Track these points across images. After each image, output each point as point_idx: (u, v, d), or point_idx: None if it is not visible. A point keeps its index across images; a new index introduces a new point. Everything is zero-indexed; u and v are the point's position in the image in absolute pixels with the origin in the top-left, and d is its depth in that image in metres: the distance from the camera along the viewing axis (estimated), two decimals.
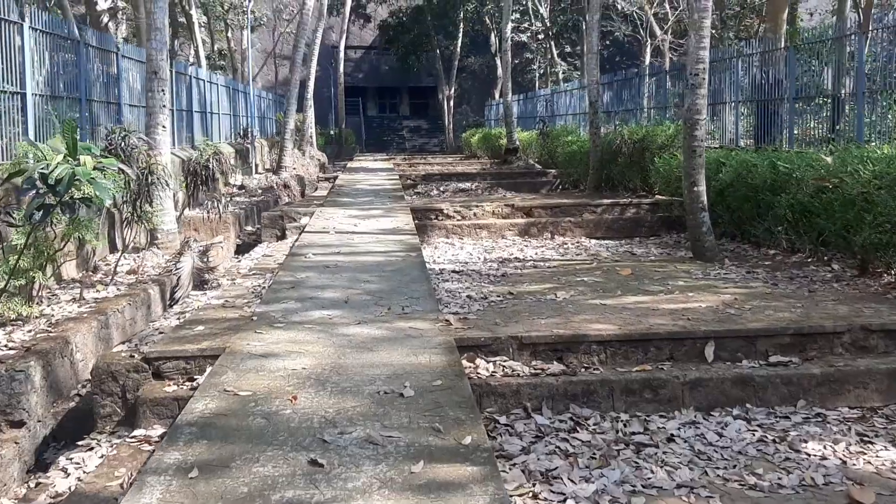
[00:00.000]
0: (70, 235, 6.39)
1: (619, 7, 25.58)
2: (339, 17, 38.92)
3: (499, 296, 6.73)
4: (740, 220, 9.69)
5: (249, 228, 13.22)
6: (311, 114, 25.11)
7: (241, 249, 12.31)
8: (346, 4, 36.16)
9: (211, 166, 10.02)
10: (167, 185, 8.38)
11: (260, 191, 16.89)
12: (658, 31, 28.77)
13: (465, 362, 4.83)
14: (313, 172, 24.31)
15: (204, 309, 6.41)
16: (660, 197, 12.71)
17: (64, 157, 5.19)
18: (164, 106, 9.40)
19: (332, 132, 40.35)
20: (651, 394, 4.85)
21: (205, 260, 9.37)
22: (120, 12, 25.16)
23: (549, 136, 20.12)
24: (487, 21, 39.82)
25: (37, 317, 6.42)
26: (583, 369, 5.01)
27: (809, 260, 8.23)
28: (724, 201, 9.65)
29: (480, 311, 6.03)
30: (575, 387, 4.80)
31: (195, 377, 4.90)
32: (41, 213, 5.28)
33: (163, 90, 9.37)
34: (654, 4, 23.97)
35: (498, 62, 40.14)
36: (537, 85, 37.57)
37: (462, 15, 39.41)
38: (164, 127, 9.43)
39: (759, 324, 5.37)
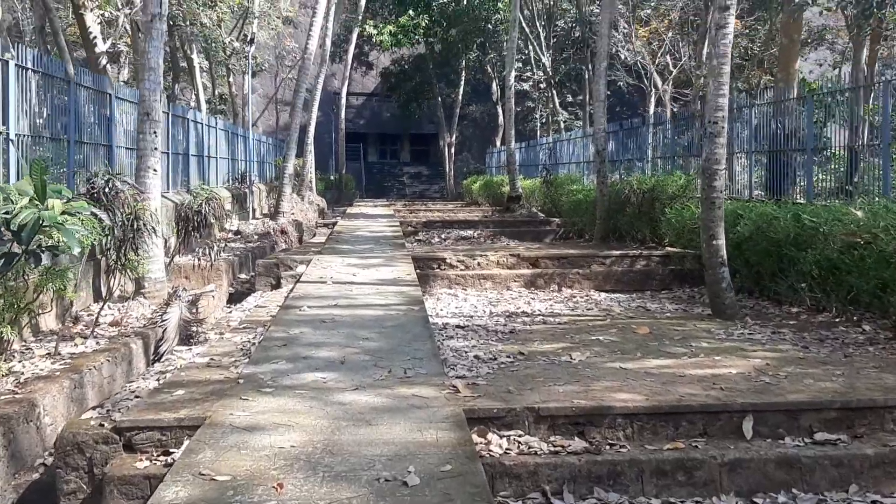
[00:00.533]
0: (43, 286, 5.88)
1: (623, 57, 25.49)
2: (342, 64, 39.05)
3: (509, 356, 6.19)
4: (759, 276, 9.21)
5: (243, 276, 12.72)
6: (310, 159, 24.83)
7: (235, 298, 11.79)
8: (349, 52, 36.24)
9: (204, 212, 9.56)
10: (154, 231, 7.90)
11: (256, 236, 16.43)
12: (660, 82, 28.76)
13: (475, 437, 4.29)
14: (312, 218, 23.90)
15: (187, 368, 5.86)
16: (671, 249, 12.25)
17: (30, 200, 4.71)
18: (155, 149, 8.99)
19: (332, 177, 40.16)
20: (685, 476, 4.29)
21: (193, 311, 8.84)
22: (123, 55, 25.15)
23: (553, 184, 19.77)
24: (489, 69, 39.96)
25: (4, 374, 5.87)
26: (608, 446, 4.45)
27: (838, 320, 7.72)
28: (741, 255, 9.18)
29: (490, 375, 5.50)
30: (600, 467, 4.25)
31: (171, 450, 4.34)
32: (2, 262, 4.77)
33: (155, 132, 8.97)
34: (658, 55, 23.91)
35: (499, 110, 40.17)
36: (538, 133, 37.50)
37: (464, 63, 39.55)
38: (154, 170, 8.99)
39: (801, 395, 4.84)
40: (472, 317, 8.67)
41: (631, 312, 8.92)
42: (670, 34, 27.68)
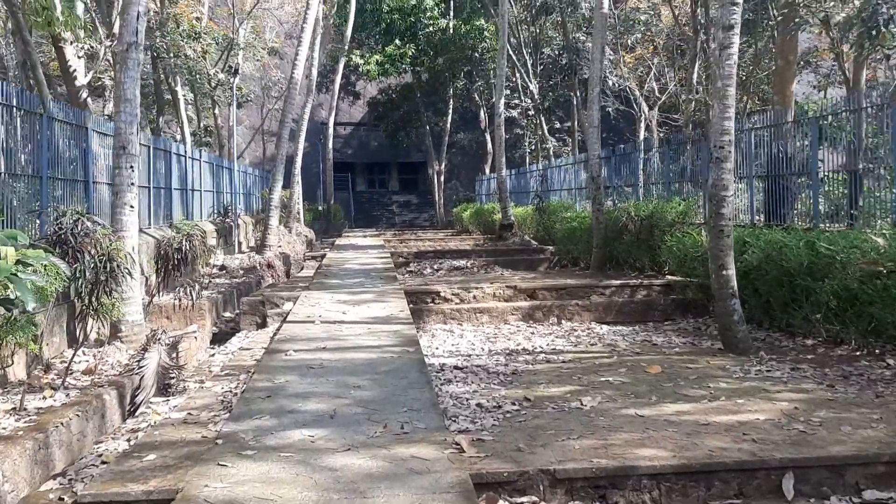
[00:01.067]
0: (2, 339, 5.35)
1: (610, 83, 25.32)
2: (329, 94, 38.82)
3: (514, 403, 5.70)
4: (769, 306, 8.78)
5: (228, 314, 12.18)
6: (298, 189, 24.41)
7: (219, 338, 11.24)
8: (336, 82, 36.00)
9: (184, 249, 9.07)
10: (129, 274, 7.39)
11: (242, 271, 15.90)
12: (646, 109, 28.64)
13: None
14: (300, 250, 23.40)
15: (161, 426, 5.34)
16: (671, 278, 11.83)
17: None
18: (132, 184, 8.50)
19: (320, 208, 39.71)
20: None
21: (173, 355, 8.29)
22: (108, 89, 24.74)
23: (546, 211, 19.40)
24: (476, 97, 39.83)
25: None
26: None
27: (858, 353, 7.28)
28: (750, 284, 8.76)
29: (496, 428, 5.00)
30: None
31: None
32: None
33: (131, 167, 8.49)
34: (647, 81, 23.73)
35: (488, 137, 39.97)
36: (527, 160, 37.27)
37: (451, 92, 39.41)
38: (131, 207, 8.50)
39: (843, 447, 4.37)
40: (470, 356, 8.18)
41: (637, 347, 8.45)
42: (656, 60, 27.62)
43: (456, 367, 7.40)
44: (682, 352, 8.07)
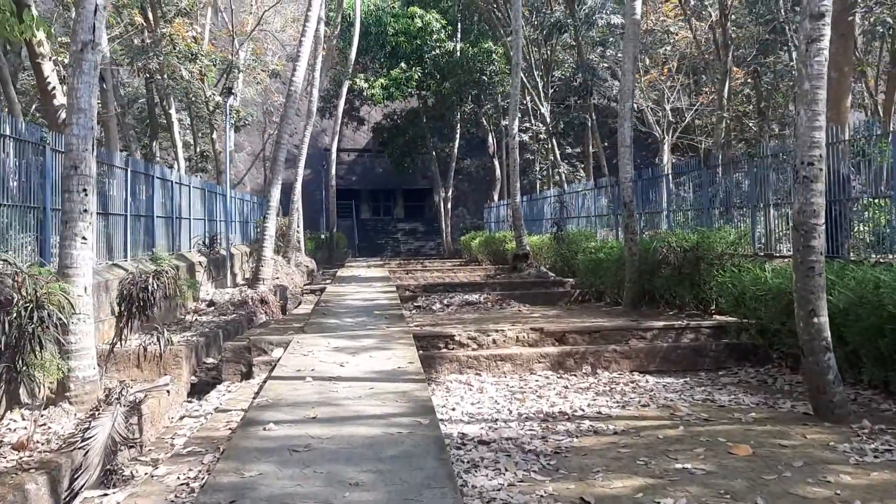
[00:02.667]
0: None
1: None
2: (332, 119, 37.58)
3: None
4: (857, 358, 7.22)
5: (212, 360, 10.64)
6: (297, 217, 22.97)
7: (198, 389, 9.69)
8: (339, 107, 34.77)
9: (151, 288, 7.57)
10: (57, 326, 5.88)
11: (232, 307, 14.38)
12: (658, 131, 27.29)
13: None
14: (299, 282, 21.90)
15: None
16: (722, 318, 10.28)
17: None
18: (85, 211, 7.02)
19: (322, 236, 38.25)
20: None
21: (133, 419, 6.76)
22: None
23: (565, 240, 17.89)
24: (485, 122, 38.58)
25: None
26: None
27: None
28: (833, 332, 7.19)
29: None
30: None
31: None
32: None
33: (84, 190, 7.02)
34: (669, 101, 22.34)
35: (496, 163, 38.62)
36: (538, 186, 35.88)
37: (459, 116, 38.14)
38: (84, 239, 7.02)
39: None
40: (496, 421, 6.62)
41: (702, 411, 6.87)
42: (669, 83, 26.35)
43: (481, 442, 5.84)
44: (760, 418, 6.48)
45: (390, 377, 7.09)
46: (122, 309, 7.68)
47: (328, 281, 21.87)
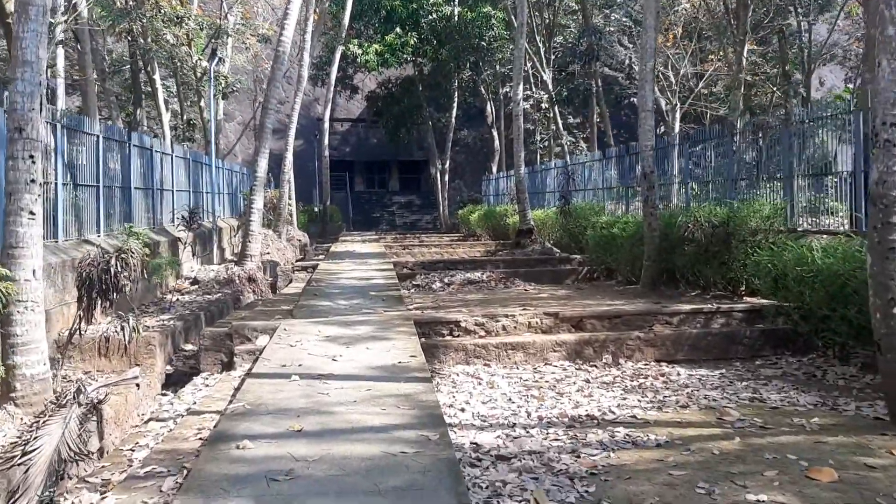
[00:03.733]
0: None
1: (636, 69, 22.73)
2: (325, 87, 36.24)
3: None
4: None
5: (191, 346, 9.66)
6: (288, 189, 21.87)
7: (174, 380, 8.73)
8: (332, 74, 33.42)
9: (114, 269, 6.55)
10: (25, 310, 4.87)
11: (217, 286, 13.37)
12: (665, 100, 26.18)
13: None
14: (291, 257, 20.87)
15: None
16: (753, 300, 9.34)
17: None
18: (32, 181, 5.97)
19: (316, 209, 37.11)
20: None
21: (89, 426, 5.78)
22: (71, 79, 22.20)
23: (572, 214, 16.88)
24: (483, 91, 37.29)
25: None
26: None
27: None
28: None
29: None
30: None
31: None
32: None
33: (31, 157, 5.96)
34: (683, 68, 21.17)
35: (495, 134, 37.42)
36: (538, 158, 34.76)
37: (456, 84, 36.81)
38: (31, 214, 5.98)
39: None
40: (513, 426, 5.66)
41: (753, 414, 5.90)
42: (674, 50, 25.16)
43: (500, 457, 4.88)
44: (826, 424, 5.53)
45: (390, 375, 6.10)
46: (82, 293, 6.66)
47: (321, 256, 20.85)
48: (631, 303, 9.82)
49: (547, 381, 7.40)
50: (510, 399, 6.66)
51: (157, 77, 23.46)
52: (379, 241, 25.63)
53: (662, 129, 32.72)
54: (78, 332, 6.82)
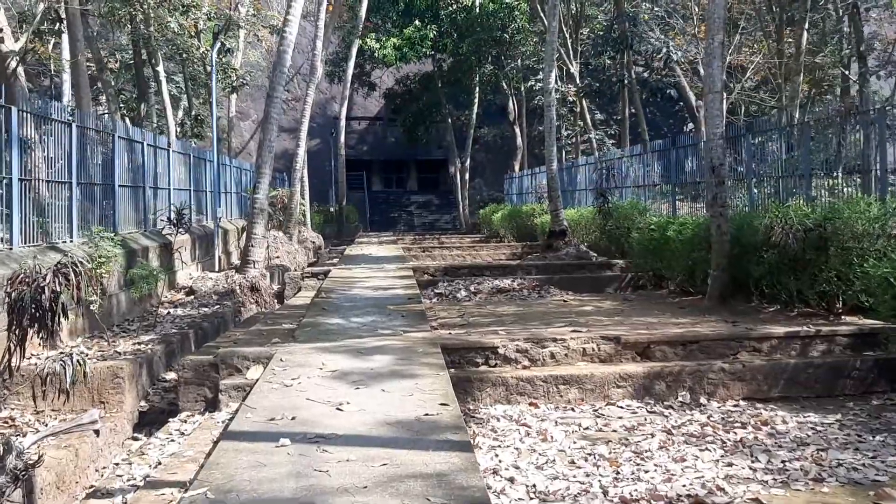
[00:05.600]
0: None
1: (676, 57, 20.95)
2: (341, 84, 34.73)
3: None
4: None
5: (174, 375, 8.08)
6: (300, 188, 20.32)
7: (150, 420, 7.18)
8: (348, 70, 31.88)
9: (50, 290, 4.97)
10: None
11: (215, 297, 11.83)
12: (693, 96, 24.36)
13: None
14: (302, 261, 19.30)
15: None
16: (853, 319, 7.63)
17: None
18: None
19: (332, 209, 35.58)
20: None
21: (19, 497, 4.22)
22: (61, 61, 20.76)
23: (612, 215, 15.18)
24: (505, 86, 35.55)
25: None
26: None
27: None
28: None
29: None
30: None
31: None
32: None
33: None
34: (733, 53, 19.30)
35: (517, 131, 35.72)
36: (563, 156, 33.01)
37: (477, 79, 35.13)
38: None
39: None
40: None
41: None
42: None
43: None
44: None
45: (415, 437, 4.46)
46: (12, 320, 5.09)
47: (335, 260, 19.27)
48: (702, 321, 8.12)
49: (616, 431, 5.75)
50: (572, 461, 5.01)
51: (160, 69, 22.02)
52: (397, 243, 24.03)
53: (692, 126, 30.88)
54: (8, 369, 5.26)
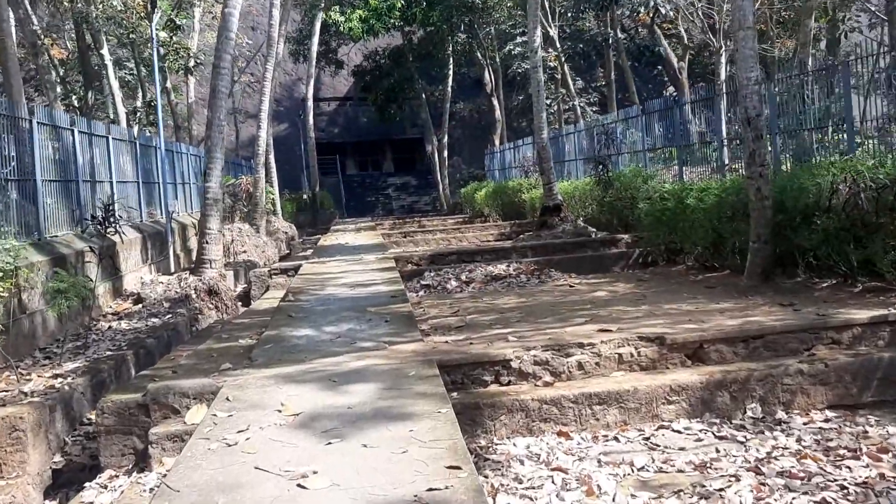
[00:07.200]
0: None
1: (663, 11, 19.34)
2: (306, 63, 32.82)
3: None
4: None
5: (95, 417, 6.44)
6: (265, 174, 18.59)
7: (67, 479, 5.57)
8: (313, 47, 30.00)
9: None
10: None
11: (167, 304, 10.18)
12: (675, 58, 22.91)
13: None
14: (272, 255, 17.64)
15: None
16: None
17: None
18: None
19: (305, 196, 33.76)
20: None
21: None
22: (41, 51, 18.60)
23: (613, 184, 13.68)
24: (480, 57, 33.83)
25: None
26: None
27: None
28: None
29: None
30: None
31: None
32: None
33: None
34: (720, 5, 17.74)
35: (495, 103, 34.02)
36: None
37: (450, 51, 33.35)
38: None
39: None
40: None
41: None
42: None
43: None
44: None
45: None
46: None
47: (309, 251, 17.60)
48: (753, 306, 6.63)
49: (683, 472, 4.24)
50: None
51: (105, 52, 20.09)
52: (375, 229, 22.38)
53: (673, 90, 29.39)
54: None
